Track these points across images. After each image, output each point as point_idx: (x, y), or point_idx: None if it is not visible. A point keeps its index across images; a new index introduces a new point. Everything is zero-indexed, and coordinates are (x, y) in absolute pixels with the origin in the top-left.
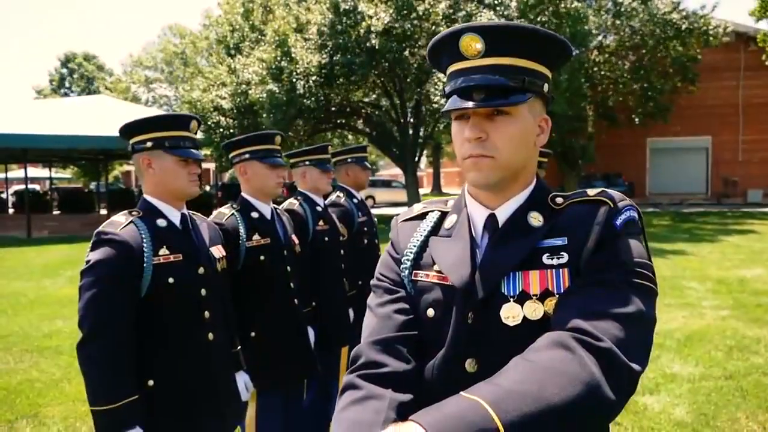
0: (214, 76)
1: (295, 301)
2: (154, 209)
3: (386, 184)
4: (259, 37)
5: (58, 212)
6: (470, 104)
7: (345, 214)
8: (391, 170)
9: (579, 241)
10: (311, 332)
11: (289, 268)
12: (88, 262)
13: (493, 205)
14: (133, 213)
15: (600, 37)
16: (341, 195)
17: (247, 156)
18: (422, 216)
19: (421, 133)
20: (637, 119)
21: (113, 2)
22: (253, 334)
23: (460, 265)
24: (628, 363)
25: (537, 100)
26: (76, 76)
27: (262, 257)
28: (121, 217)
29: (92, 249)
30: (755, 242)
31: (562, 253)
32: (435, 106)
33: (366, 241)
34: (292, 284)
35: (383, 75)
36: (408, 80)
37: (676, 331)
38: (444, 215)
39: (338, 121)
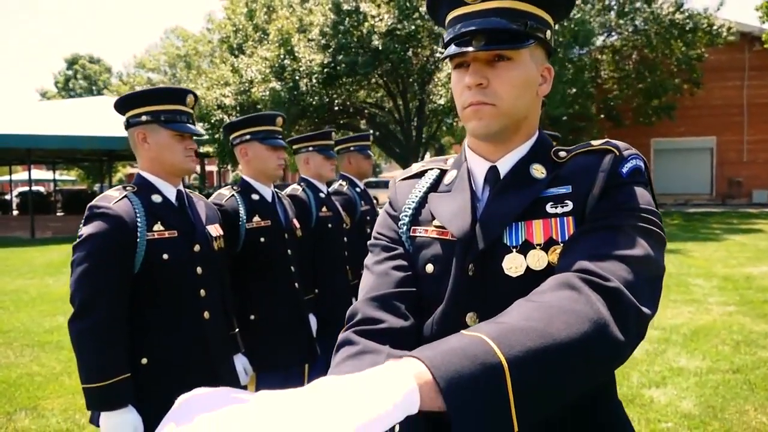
0: (217, 76)
1: (296, 284)
2: (149, 185)
3: (389, 185)
4: (263, 36)
5: (62, 213)
6: (470, 48)
7: (348, 202)
8: (394, 172)
9: (584, 189)
10: (313, 319)
11: (289, 251)
12: (80, 236)
13: (494, 158)
14: (128, 188)
15: (603, 37)
16: (344, 183)
17: (247, 137)
18: (421, 174)
19: (424, 134)
20: (641, 117)
21: (115, 7)
22: (252, 317)
23: (460, 216)
24: (637, 304)
25: (539, 47)
26: (80, 77)
27: (262, 239)
28: (114, 192)
29: (85, 223)
30: (761, 241)
31: (566, 201)
32: (437, 106)
33: (369, 230)
34: (292, 268)
35: (386, 75)
36: (411, 80)
37: (682, 326)
38: (443, 173)
39: (341, 122)
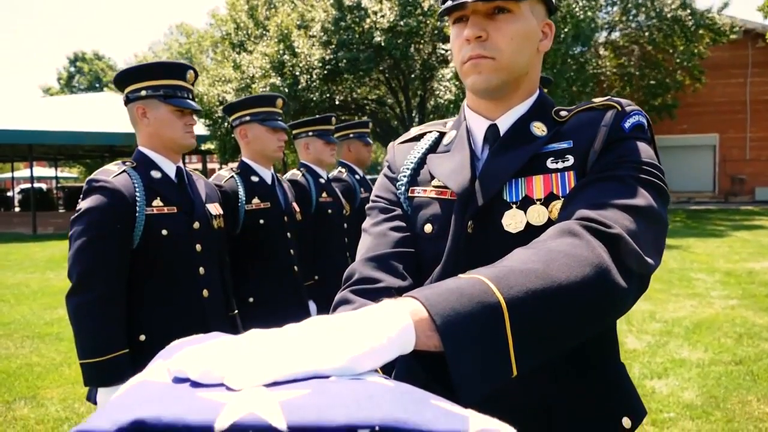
0: (218, 74)
1: (295, 268)
2: (149, 160)
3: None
4: (263, 32)
5: (64, 210)
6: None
7: (347, 189)
8: None
9: (585, 144)
10: (312, 306)
11: (289, 234)
12: (79, 210)
13: (493, 116)
14: (127, 163)
15: (605, 34)
16: (343, 171)
17: (247, 118)
18: (419, 137)
19: None
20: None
21: (120, 4)
22: (251, 299)
23: (459, 173)
24: (640, 252)
25: (539, 1)
26: (84, 72)
27: (261, 221)
28: (113, 167)
29: (83, 197)
30: (764, 237)
31: (567, 156)
32: (443, 101)
33: None
34: (292, 251)
35: (388, 71)
36: (412, 77)
37: (684, 319)
38: (442, 135)
39: (342, 118)
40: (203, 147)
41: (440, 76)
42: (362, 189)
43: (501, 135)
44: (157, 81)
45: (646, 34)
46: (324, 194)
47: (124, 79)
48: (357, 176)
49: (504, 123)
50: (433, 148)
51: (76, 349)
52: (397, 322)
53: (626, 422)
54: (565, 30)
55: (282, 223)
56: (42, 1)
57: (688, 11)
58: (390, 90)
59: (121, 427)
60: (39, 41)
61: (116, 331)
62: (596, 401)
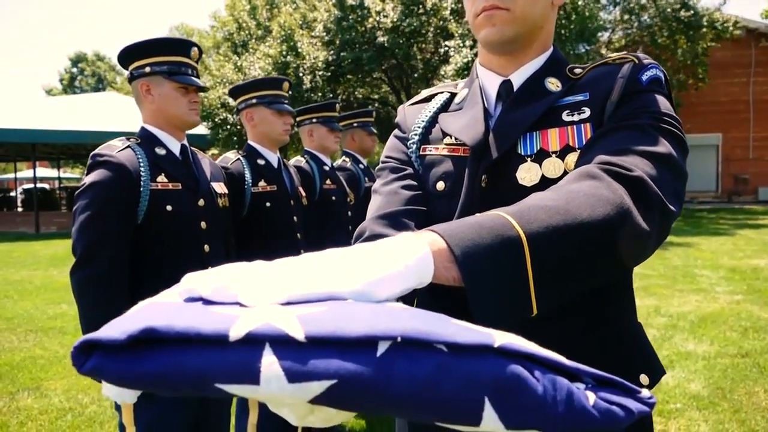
0: (221, 75)
1: (302, 252)
2: (153, 137)
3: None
4: (265, 33)
5: (66, 210)
6: None
7: (351, 178)
8: None
9: (602, 95)
10: None
11: (295, 218)
12: (83, 184)
13: (506, 72)
14: (131, 139)
15: (608, 33)
16: (347, 159)
17: (254, 101)
18: (430, 98)
19: None
20: None
21: (121, 3)
22: None
23: (472, 127)
24: (662, 195)
25: None
26: (87, 74)
27: (267, 204)
28: (118, 142)
29: (87, 172)
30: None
31: (583, 108)
32: None
33: None
34: (298, 235)
35: (390, 71)
36: (415, 76)
37: (689, 314)
38: (453, 95)
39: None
40: (207, 153)
41: (442, 73)
42: (366, 178)
43: (515, 90)
44: (161, 57)
45: (649, 33)
46: (328, 181)
47: (128, 55)
48: (361, 165)
49: (518, 78)
50: (444, 108)
51: (81, 325)
52: (415, 251)
53: (644, 379)
54: (570, 27)
55: (288, 207)
56: (45, 1)
57: (691, 12)
58: (392, 89)
59: (131, 335)
60: (42, 41)
61: (120, 306)
62: (613, 356)
